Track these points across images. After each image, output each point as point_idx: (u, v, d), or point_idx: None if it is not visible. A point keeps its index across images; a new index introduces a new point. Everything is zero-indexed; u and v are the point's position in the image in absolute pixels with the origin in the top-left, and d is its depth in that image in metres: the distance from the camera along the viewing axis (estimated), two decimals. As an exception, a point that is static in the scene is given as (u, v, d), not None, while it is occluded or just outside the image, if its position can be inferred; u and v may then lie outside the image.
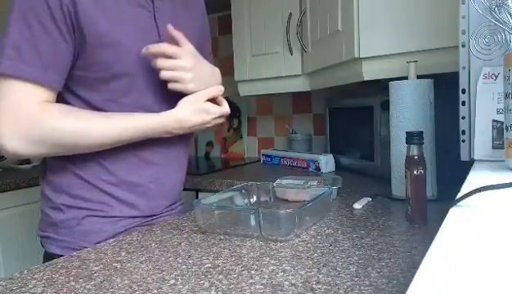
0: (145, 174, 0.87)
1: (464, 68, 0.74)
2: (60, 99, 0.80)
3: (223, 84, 0.93)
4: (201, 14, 1.02)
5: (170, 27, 0.82)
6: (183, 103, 0.85)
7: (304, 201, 0.79)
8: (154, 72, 0.83)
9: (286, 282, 0.53)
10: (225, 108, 0.91)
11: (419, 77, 0.95)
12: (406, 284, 0.51)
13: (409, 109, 0.92)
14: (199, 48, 0.96)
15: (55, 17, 0.73)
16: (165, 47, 0.80)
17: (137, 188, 0.86)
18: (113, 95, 0.81)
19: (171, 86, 0.82)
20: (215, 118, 0.89)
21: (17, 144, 0.73)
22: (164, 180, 0.91)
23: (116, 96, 0.81)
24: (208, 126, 0.89)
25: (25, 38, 0.72)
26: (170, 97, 0.85)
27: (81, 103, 0.80)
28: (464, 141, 0.75)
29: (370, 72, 1.13)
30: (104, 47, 0.76)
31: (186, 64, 0.82)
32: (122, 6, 0.79)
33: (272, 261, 0.60)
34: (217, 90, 0.89)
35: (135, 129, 0.80)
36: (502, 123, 0.66)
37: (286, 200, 0.95)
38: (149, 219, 0.89)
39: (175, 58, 0.81)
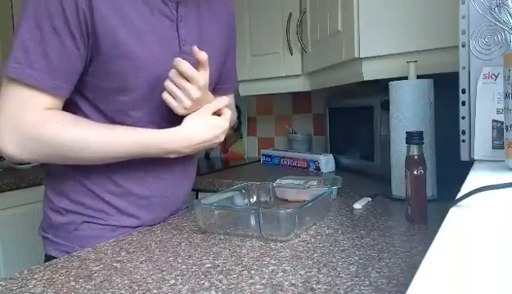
0: (150, 187, 0.85)
1: (464, 68, 0.74)
2: (74, 104, 0.78)
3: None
4: (228, 23, 0.97)
5: (195, 49, 0.77)
6: (190, 118, 0.81)
7: (304, 201, 0.79)
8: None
9: (286, 282, 0.53)
10: (227, 114, 0.87)
11: (419, 77, 0.95)
12: (406, 284, 0.51)
13: (409, 109, 0.92)
14: (223, 59, 0.93)
15: (69, 21, 0.69)
16: (187, 68, 0.76)
17: (140, 200, 0.85)
18: (123, 107, 0.78)
19: (165, 96, 0.78)
20: (224, 131, 0.86)
21: (15, 149, 0.72)
22: (169, 194, 0.89)
23: (126, 109, 0.79)
24: (217, 141, 0.85)
25: (35, 41, 0.70)
26: (182, 116, 0.82)
27: (93, 110, 0.78)
28: (464, 141, 0.75)
29: (370, 72, 1.13)
30: (120, 58, 0.73)
31: (193, 92, 0.77)
32: (143, 14, 0.76)
33: (272, 261, 0.60)
34: (223, 101, 0.86)
35: (139, 146, 0.77)
36: (502, 123, 0.66)
37: (286, 200, 0.95)
38: (149, 226, 0.88)
39: (188, 81, 0.77)
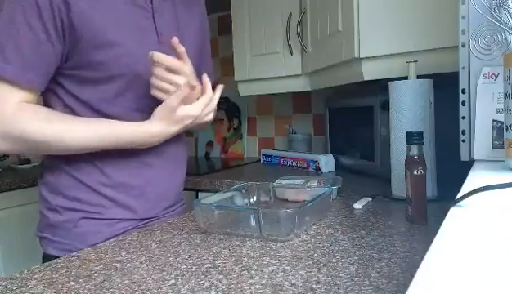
0: (142, 176, 0.86)
1: (464, 68, 0.74)
2: (57, 97, 0.80)
3: (223, 84, 0.91)
4: (201, 13, 1.00)
5: (176, 41, 0.79)
6: (156, 117, 0.80)
7: (304, 201, 0.79)
8: (147, 77, 0.81)
9: (286, 282, 0.53)
10: (201, 101, 0.83)
11: (419, 77, 0.95)
12: (406, 284, 0.51)
13: (409, 109, 0.92)
14: (199, 48, 0.95)
15: (43, 16, 0.71)
16: (169, 61, 0.78)
17: (134, 190, 0.85)
18: (107, 96, 0.80)
19: (155, 93, 0.80)
20: (196, 117, 0.82)
21: None
22: (162, 183, 0.90)
23: (111, 97, 0.80)
24: (197, 123, 0.84)
25: (9, 37, 0.71)
26: (160, 103, 0.83)
27: (76, 101, 0.79)
28: (464, 141, 0.75)
29: (370, 72, 1.13)
30: (100, 48, 0.75)
31: (181, 82, 0.79)
32: (118, 5, 0.78)
33: (272, 261, 0.60)
34: (186, 89, 0.79)
35: (111, 138, 0.78)
36: (502, 123, 0.66)
37: (286, 200, 0.95)
38: (146, 221, 0.88)
39: (174, 73, 0.79)
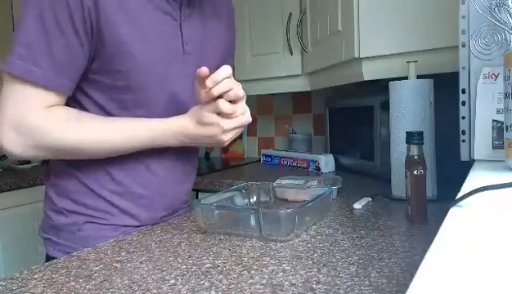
0: (150, 186, 0.85)
1: (464, 68, 0.74)
2: (75, 101, 0.78)
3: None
4: (230, 26, 0.98)
5: (205, 71, 0.74)
6: (190, 114, 0.80)
7: (304, 201, 0.79)
8: (169, 87, 0.81)
9: (286, 282, 0.53)
10: (234, 120, 0.79)
11: (419, 77, 0.95)
12: (406, 284, 0.51)
13: (409, 109, 0.92)
14: (224, 60, 0.93)
15: (73, 17, 0.68)
16: (227, 70, 0.77)
17: (141, 200, 0.85)
18: (126, 105, 0.78)
19: (244, 118, 0.81)
20: (227, 132, 0.79)
21: (17, 148, 0.71)
22: (169, 193, 0.89)
23: (129, 107, 0.78)
24: (216, 139, 0.80)
25: (39, 38, 0.68)
26: (182, 113, 0.82)
27: (94, 106, 0.78)
28: (464, 141, 0.75)
29: (370, 72, 1.13)
30: (123, 56, 0.73)
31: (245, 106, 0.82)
32: (147, 12, 0.75)
33: (272, 261, 0.60)
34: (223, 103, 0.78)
35: (145, 134, 0.78)
36: (502, 123, 0.66)
37: (286, 200, 0.95)
38: (148, 225, 0.88)
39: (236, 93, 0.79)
